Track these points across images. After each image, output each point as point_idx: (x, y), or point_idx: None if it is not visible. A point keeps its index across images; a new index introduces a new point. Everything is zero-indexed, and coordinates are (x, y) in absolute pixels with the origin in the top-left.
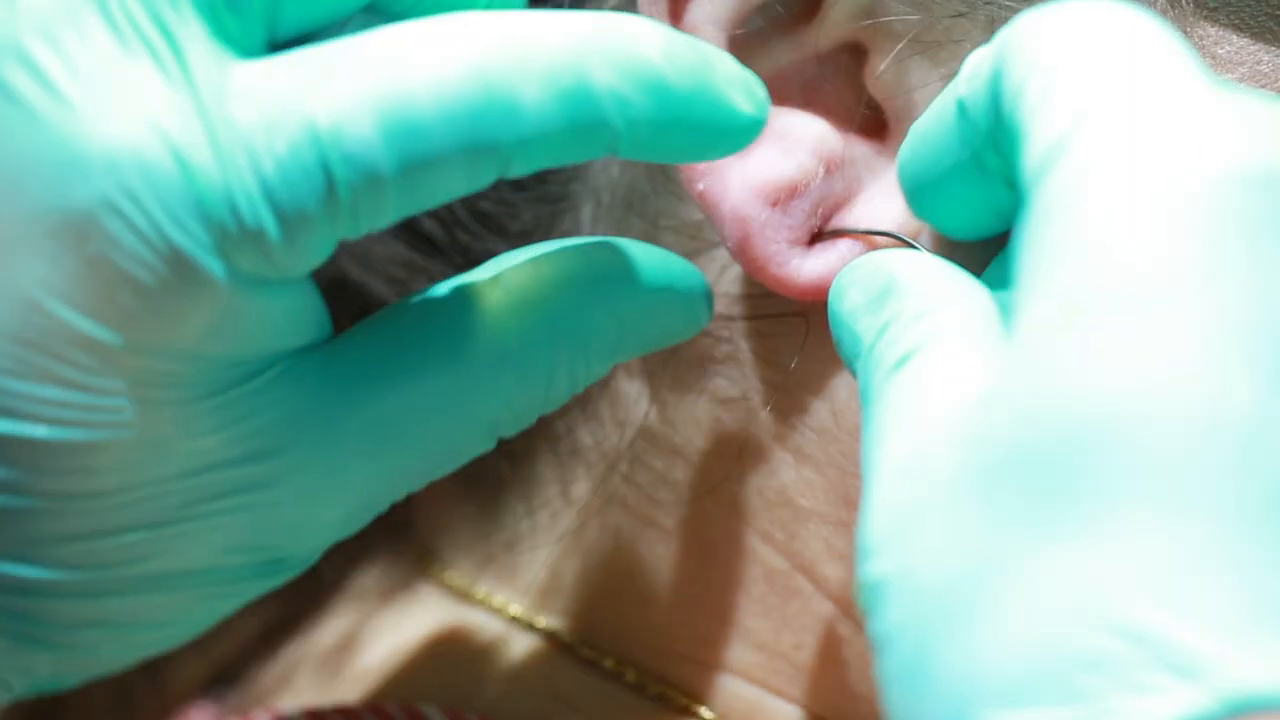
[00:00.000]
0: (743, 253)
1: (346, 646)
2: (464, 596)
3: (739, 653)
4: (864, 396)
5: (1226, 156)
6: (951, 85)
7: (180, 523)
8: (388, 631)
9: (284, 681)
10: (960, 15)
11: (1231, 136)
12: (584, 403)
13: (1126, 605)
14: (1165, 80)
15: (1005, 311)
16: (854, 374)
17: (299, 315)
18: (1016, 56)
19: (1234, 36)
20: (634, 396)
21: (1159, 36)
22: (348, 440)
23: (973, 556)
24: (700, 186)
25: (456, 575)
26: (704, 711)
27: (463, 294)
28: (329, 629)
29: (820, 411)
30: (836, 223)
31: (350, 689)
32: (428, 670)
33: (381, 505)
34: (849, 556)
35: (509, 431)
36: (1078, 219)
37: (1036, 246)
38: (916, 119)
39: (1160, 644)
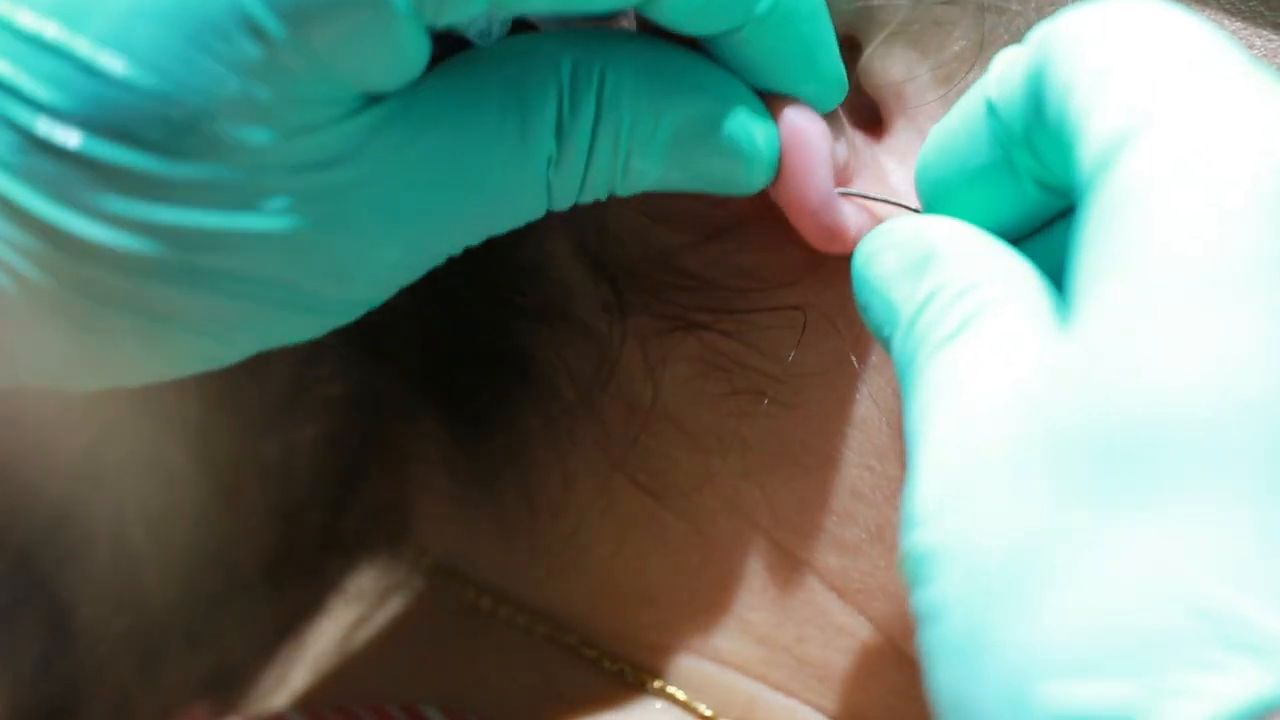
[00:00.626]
0: (803, 190)
1: (344, 646)
2: (463, 596)
3: (739, 646)
4: (903, 368)
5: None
6: (978, 85)
7: (253, 213)
8: (385, 632)
9: (282, 682)
10: (949, 3)
11: None
12: (585, 399)
13: (1195, 582)
14: (1222, 77)
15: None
16: (882, 341)
17: (419, 63)
18: (1061, 57)
19: (1227, 21)
20: (635, 393)
21: (1207, 33)
22: (413, 166)
23: (1037, 528)
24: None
25: (455, 574)
26: (703, 709)
27: (530, 47)
28: (326, 629)
29: (821, 404)
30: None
31: (348, 690)
32: (427, 670)
33: (436, 253)
34: (853, 547)
35: (559, 197)
36: (1146, 213)
37: (1101, 239)
38: (908, 112)
39: (1229, 622)
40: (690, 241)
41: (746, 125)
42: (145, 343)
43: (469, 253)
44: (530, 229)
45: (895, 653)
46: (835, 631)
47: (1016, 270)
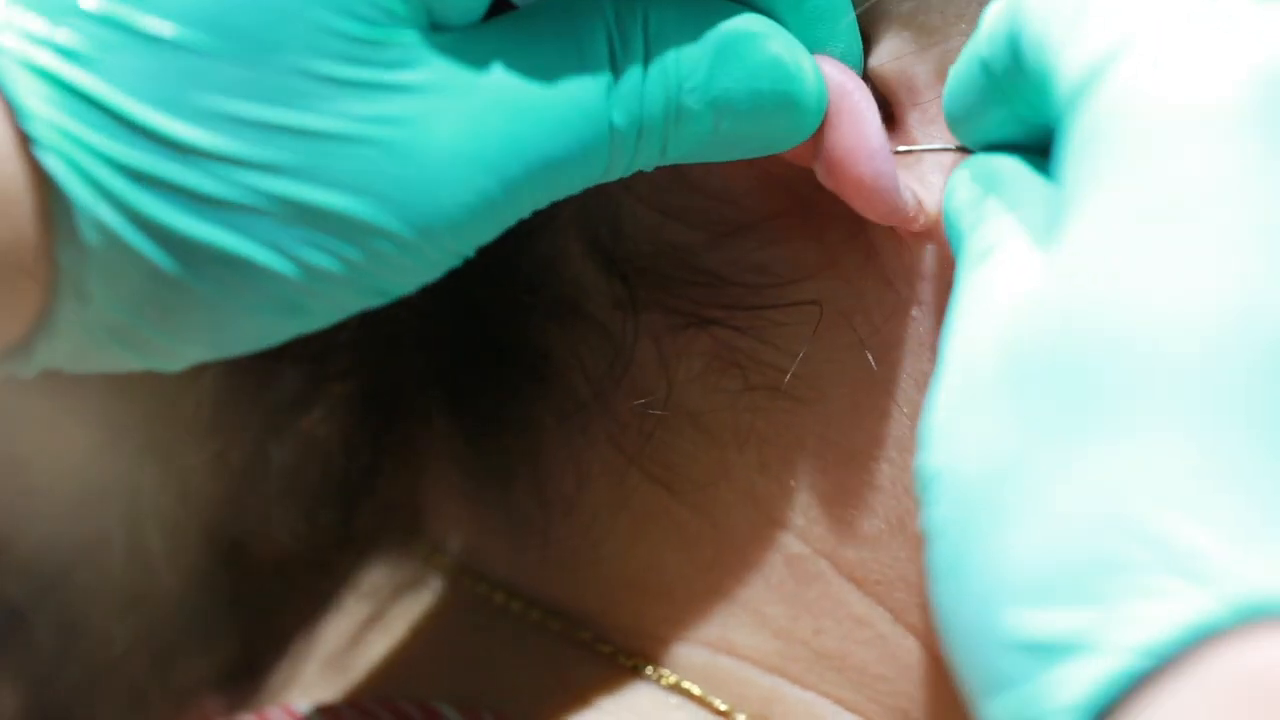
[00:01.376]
0: (858, 135)
1: (357, 643)
2: (477, 592)
3: (756, 640)
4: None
5: (1255, 58)
6: (970, 44)
7: (333, 140)
8: (399, 628)
9: (295, 679)
10: None
11: (1259, 38)
12: (599, 395)
13: (1143, 509)
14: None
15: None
16: None
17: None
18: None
19: None
20: (649, 389)
21: None
22: (486, 91)
23: (1005, 456)
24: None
25: (470, 571)
26: (718, 703)
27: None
28: (341, 626)
29: (837, 398)
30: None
31: (363, 686)
32: (441, 667)
33: (518, 197)
34: (872, 539)
35: (619, 149)
36: (1112, 135)
37: (1074, 165)
38: (920, 104)
39: (1172, 548)
40: (704, 239)
41: (794, 54)
42: (223, 286)
43: (482, 251)
44: (543, 226)
45: (914, 643)
46: (854, 624)
47: (1047, 201)
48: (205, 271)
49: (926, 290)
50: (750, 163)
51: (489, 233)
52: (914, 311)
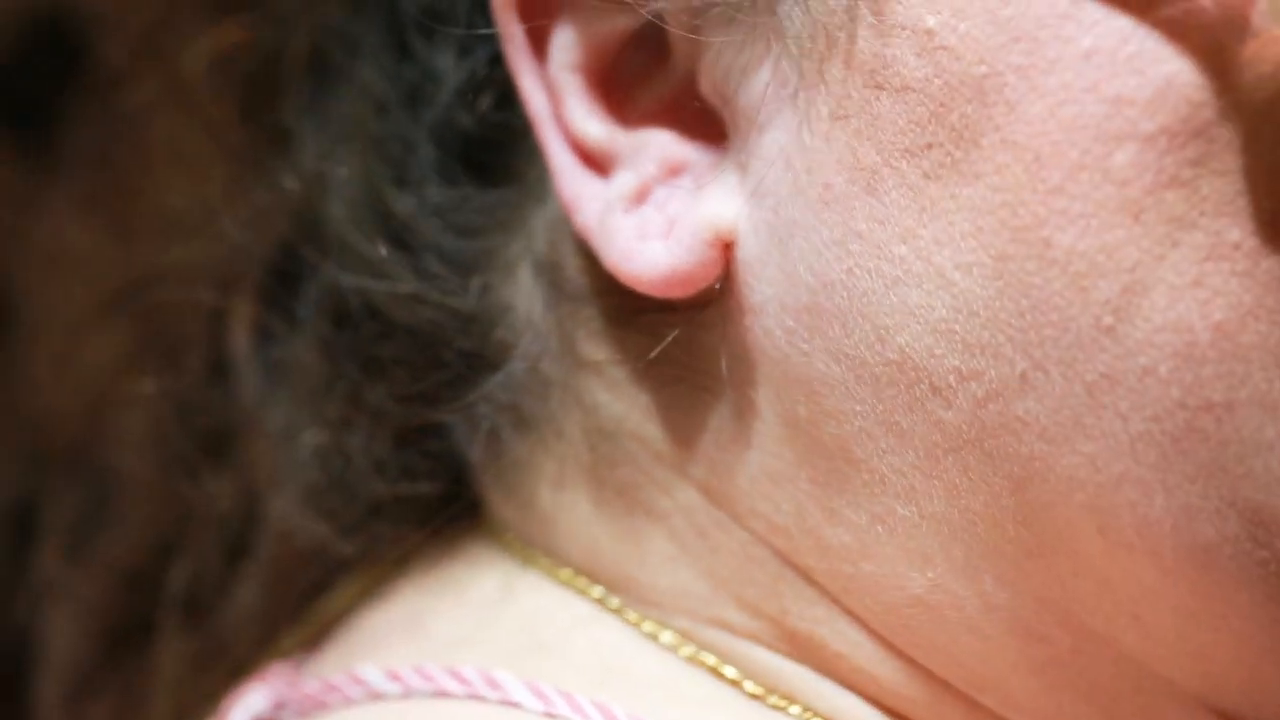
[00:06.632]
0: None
1: (418, 615)
2: (532, 569)
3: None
4: None
5: None
6: None
7: None
8: (455, 602)
9: (361, 647)
10: None
11: None
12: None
13: None
14: None
15: None
16: None
17: None
18: None
19: None
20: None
21: None
22: None
23: None
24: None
25: (529, 549)
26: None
27: None
28: (401, 599)
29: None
30: (677, 212)
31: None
32: (500, 642)
33: None
34: None
35: None
36: None
37: None
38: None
39: None
40: None
41: None
42: None
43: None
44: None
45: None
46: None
47: None
48: None
49: None
50: None
51: None
52: None
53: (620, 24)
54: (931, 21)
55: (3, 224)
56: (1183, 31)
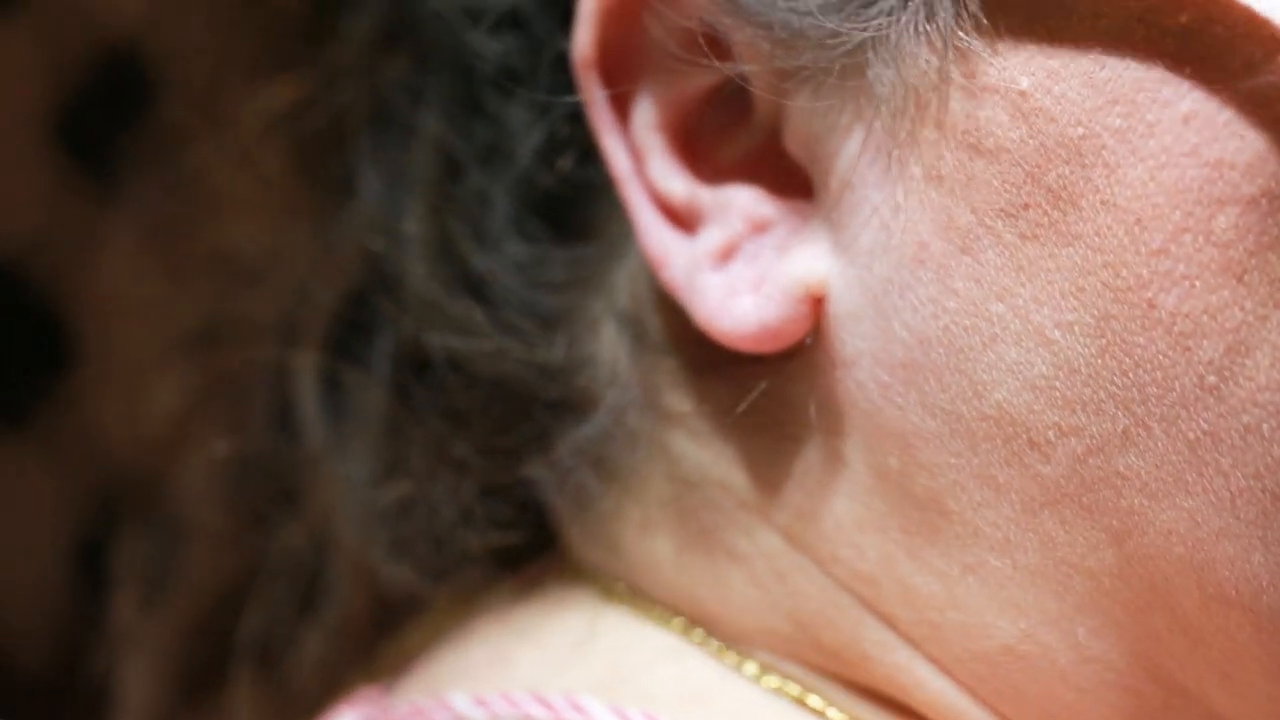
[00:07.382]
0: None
1: (504, 650)
2: (615, 607)
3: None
4: None
5: None
6: None
7: None
8: (541, 638)
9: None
10: (844, 49)
11: None
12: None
13: None
14: None
15: None
16: None
17: None
18: None
19: None
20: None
21: None
22: None
23: None
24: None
25: (612, 589)
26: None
27: None
28: (482, 637)
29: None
30: (765, 268)
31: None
32: (585, 671)
33: None
34: None
35: None
36: None
37: None
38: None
39: None
40: None
41: None
42: None
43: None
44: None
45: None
46: None
47: None
48: None
49: None
50: None
51: None
52: None
53: (702, 81)
54: (1025, 84)
55: (68, 255)
56: (1275, 98)
